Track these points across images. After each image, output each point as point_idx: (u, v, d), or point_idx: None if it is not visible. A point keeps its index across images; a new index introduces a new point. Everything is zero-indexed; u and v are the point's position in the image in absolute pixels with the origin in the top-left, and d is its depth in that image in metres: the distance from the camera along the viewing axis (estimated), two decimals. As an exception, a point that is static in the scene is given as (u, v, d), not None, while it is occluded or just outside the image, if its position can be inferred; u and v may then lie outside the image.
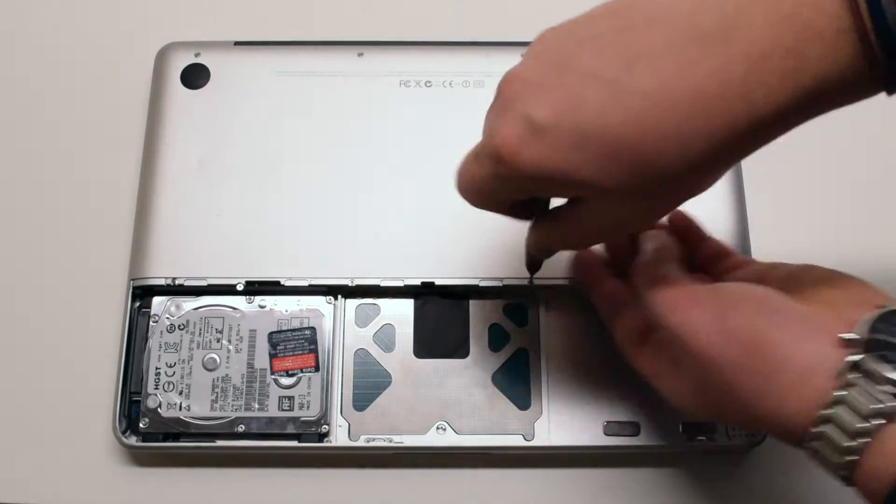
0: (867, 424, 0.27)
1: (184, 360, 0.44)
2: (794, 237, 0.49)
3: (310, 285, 0.44)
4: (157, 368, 0.44)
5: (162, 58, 0.49)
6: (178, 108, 0.48)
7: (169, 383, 0.43)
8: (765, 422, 0.30)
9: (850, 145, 0.51)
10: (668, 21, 0.28)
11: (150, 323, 0.44)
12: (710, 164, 0.29)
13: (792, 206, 0.50)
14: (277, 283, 0.44)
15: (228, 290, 0.45)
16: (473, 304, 0.45)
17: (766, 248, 0.47)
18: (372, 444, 0.43)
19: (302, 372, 0.44)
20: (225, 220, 0.45)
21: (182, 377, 0.43)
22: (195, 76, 0.49)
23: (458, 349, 0.45)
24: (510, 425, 0.43)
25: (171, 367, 0.44)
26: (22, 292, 0.48)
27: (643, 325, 0.37)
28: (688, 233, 0.39)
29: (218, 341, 0.44)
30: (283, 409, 0.43)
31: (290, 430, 0.43)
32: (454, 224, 0.45)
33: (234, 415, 0.43)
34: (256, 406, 0.43)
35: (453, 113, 0.48)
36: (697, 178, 0.29)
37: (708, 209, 0.46)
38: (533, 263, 0.41)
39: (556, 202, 0.35)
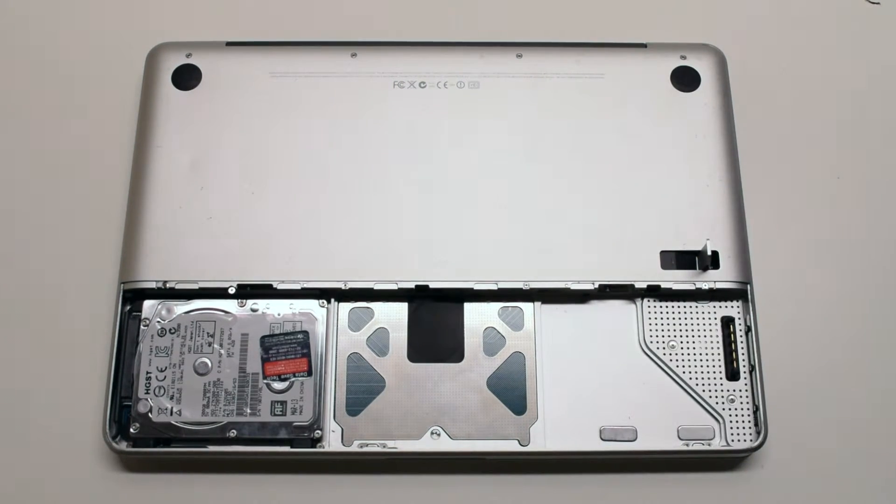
0: None
1: (175, 365, 0.43)
2: (794, 237, 0.49)
3: (302, 288, 0.44)
4: (147, 373, 0.43)
5: (153, 58, 0.49)
6: (169, 110, 0.47)
7: (160, 388, 0.43)
8: None
9: (850, 145, 0.51)
10: None
11: (141, 327, 0.44)
12: None
13: (791, 207, 0.50)
14: (270, 286, 0.44)
15: (220, 293, 0.44)
16: (468, 308, 0.45)
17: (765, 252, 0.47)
18: (365, 449, 0.42)
19: (294, 376, 0.43)
20: (216, 223, 0.45)
21: (173, 382, 0.43)
22: (187, 77, 0.48)
23: (452, 353, 0.44)
24: (505, 430, 0.43)
25: (162, 371, 0.43)
26: (11, 295, 0.47)
27: None
28: None
29: (209, 345, 0.44)
30: (275, 414, 0.43)
31: (283, 435, 0.42)
32: (448, 226, 0.45)
33: (225, 420, 0.43)
34: (248, 411, 0.43)
35: (447, 114, 0.47)
36: None
37: (706, 213, 0.46)
38: None
39: None
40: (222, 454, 0.43)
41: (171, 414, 0.43)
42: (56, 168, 0.50)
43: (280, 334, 0.44)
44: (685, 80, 0.48)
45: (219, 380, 0.43)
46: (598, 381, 0.44)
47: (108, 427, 0.42)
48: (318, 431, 0.42)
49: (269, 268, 0.44)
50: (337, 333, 0.44)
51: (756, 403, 0.43)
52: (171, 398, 0.43)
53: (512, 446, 0.43)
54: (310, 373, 0.43)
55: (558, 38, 0.50)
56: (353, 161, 0.46)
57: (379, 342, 0.44)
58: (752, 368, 0.44)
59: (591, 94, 0.48)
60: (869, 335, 0.47)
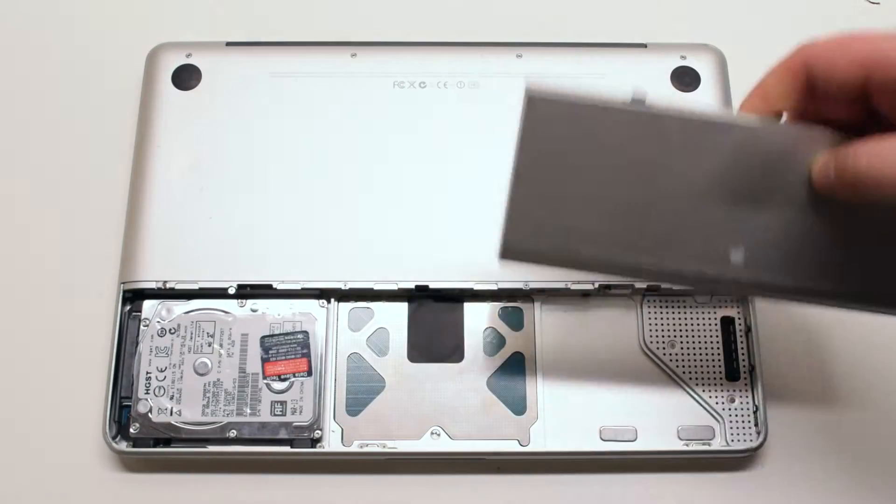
0: None
1: (175, 365, 0.43)
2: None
3: (302, 289, 0.44)
4: (147, 373, 0.43)
5: (153, 58, 0.49)
6: (169, 110, 0.47)
7: (160, 388, 0.43)
8: None
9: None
10: None
11: (141, 327, 0.44)
12: None
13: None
14: (270, 286, 0.44)
15: (220, 293, 0.44)
16: (468, 308, 0.45)
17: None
18: (365, 449, 0.42)
19: (294, 376, 0.43)
20: (217, 223, 0.45)
21: (173, 382, 0.43)
22: (186, 77, 0.48)
23: (452, 353, 0.44)
24: (505, 430, 0.43)
25: (161, 371, 0.43)
26: (10, 296, 0.47)
27: None
28: None
29: (209, 345, 0.44)
30: (275, 414, 0.43)
31: (283, 435, 0.42)
32: (448, 226, 0.45)
33: (225, 420, 0.42)
34: (248, 411, 0.43)
35: (448, 114, 0.47)
36: None
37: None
38: None
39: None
40: (222, 454, 0.42)
41: (171, 414, 0.43)
42: (55, 168, 0.50)
43: (280, 334, 0.44)
44: (685, 79, 0.48)
45: (219, 380, 0.43)
46: (598, 381, 0.44)
47: (108, 427, 0.42)
48: (318, 431, 0.42)
49: (269, 268, 0.44)
50: (337, 333, 0.44)
51: (756, 403, 0.43)
52: (171, 398, 0.43)
53: (512, 446, 0.42)
54: (310, 373, 0.43)
55: (558, 38, 0.50)
56: (353, 161, 0.46)
57: (379, 342, 0.44)
58: (751, 368, 0.44)
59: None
60: (870, 334, 0.47)
